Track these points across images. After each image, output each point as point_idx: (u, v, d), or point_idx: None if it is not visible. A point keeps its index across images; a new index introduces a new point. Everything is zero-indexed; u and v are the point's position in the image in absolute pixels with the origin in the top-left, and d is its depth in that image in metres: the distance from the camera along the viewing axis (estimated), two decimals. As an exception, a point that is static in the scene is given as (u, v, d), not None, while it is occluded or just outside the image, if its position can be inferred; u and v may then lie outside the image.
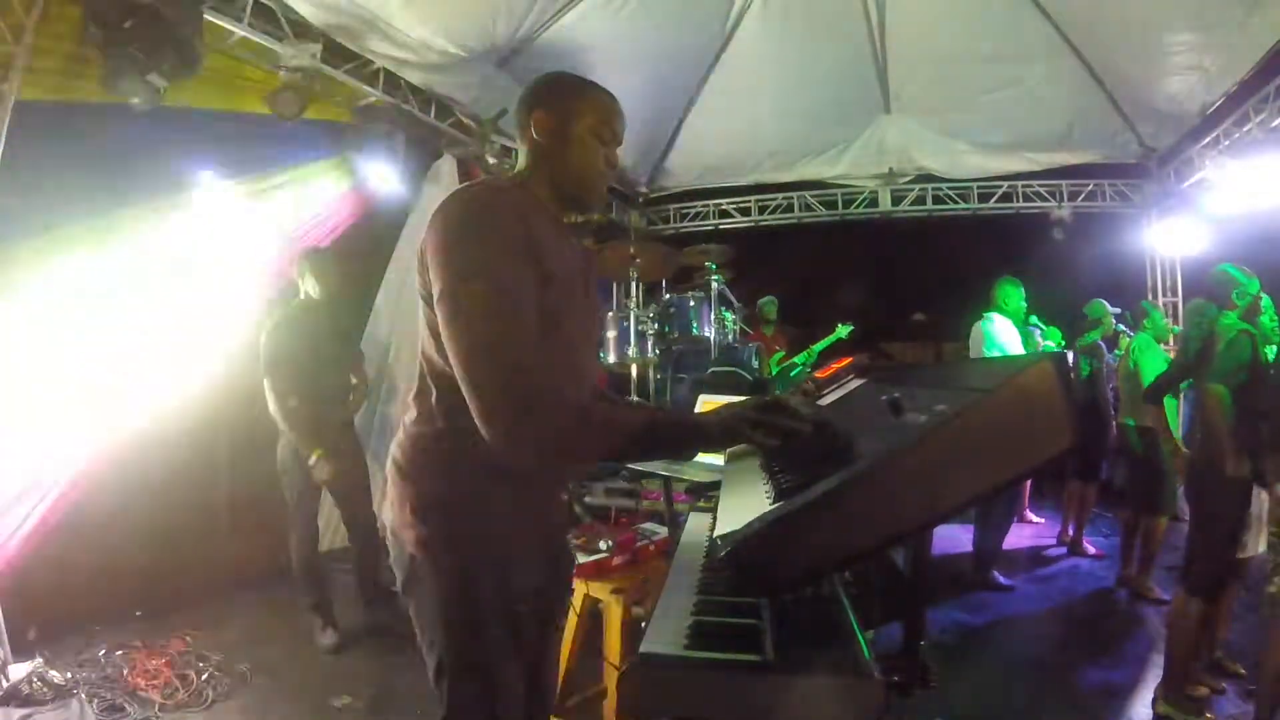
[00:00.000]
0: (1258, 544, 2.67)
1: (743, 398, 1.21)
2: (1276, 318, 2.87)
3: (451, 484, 1.19)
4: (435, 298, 1.12)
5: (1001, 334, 4.04)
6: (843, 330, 5.86)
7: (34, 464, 3.00)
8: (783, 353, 5.91)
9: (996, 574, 4.01)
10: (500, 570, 1.19)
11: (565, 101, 1.28)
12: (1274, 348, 2.77)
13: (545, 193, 1.29)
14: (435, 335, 1.16)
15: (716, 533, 1.09)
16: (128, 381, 3.32)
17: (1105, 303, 4.81)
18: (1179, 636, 2.57)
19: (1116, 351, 4.79)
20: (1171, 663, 2.61)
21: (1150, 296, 6.28)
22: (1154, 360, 3.96)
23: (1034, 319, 4.42)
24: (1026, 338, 4.22)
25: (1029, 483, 5.39)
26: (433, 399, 1.21)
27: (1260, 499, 2.58)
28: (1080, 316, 4.89)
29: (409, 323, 4.65)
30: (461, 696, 1.19)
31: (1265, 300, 2.85)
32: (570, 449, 1.11)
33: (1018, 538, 5.04)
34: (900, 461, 0.78)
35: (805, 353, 5.88)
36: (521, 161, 1.33)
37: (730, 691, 0.87)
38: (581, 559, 2.16)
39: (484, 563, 1.18)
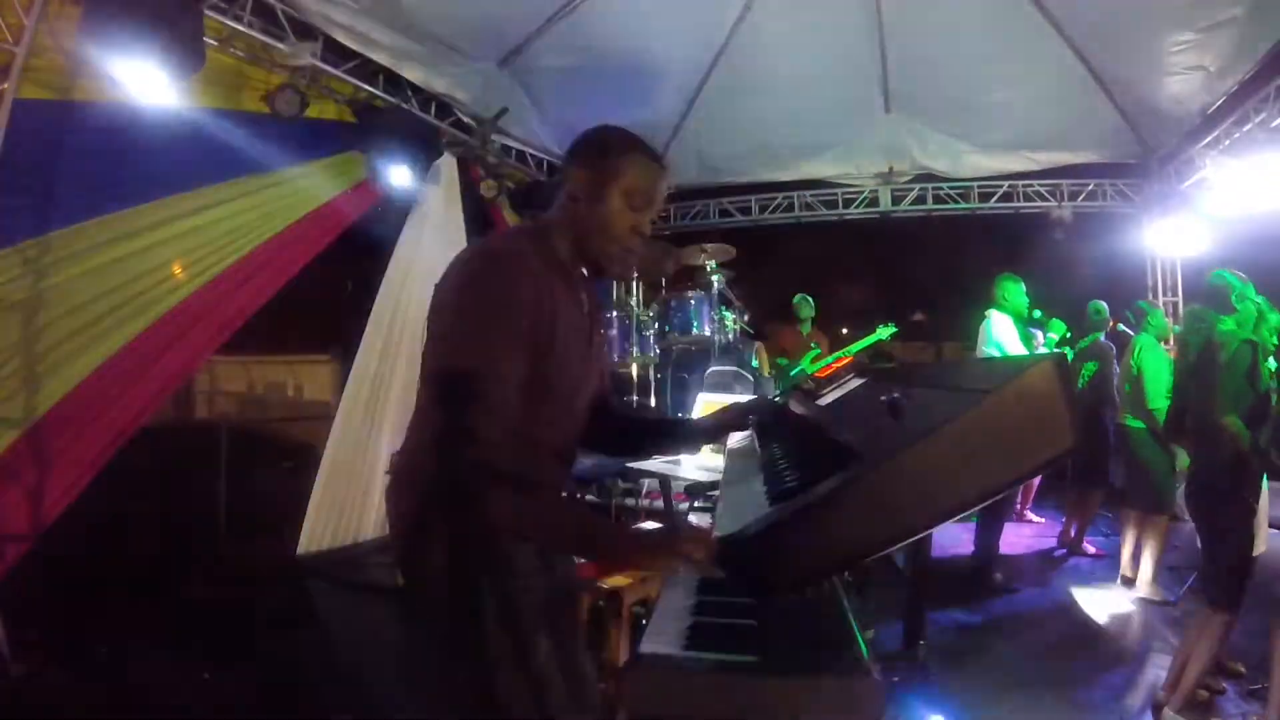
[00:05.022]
0: (1259, 545, 2.66)
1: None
2: (1276, 328, 2.87)
3: (445, 496, 1.22)
4: (432, 353, 1.20)
5: (1000, 332, 4.04)
6: (884, 331, 5.72)
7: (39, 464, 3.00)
8: (819, 350, 5.83)
9: (999, 576, 4.01)
10: (495, 572, 1.22)
11: (605, 160, 1.28)
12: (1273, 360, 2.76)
13: (566, 246, 1.32)
14: (432, 368, 1.22)
15: (716, 534, 1.09)
16: (125, 382, 3.31)
17: (1105, 306, 4.84)
18: (1201, 651, 2.53)
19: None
20: (1184, 674, 2.58)
21: (1150, 296, 6.27)
22: (1157, 361, 3.94)
23: (1038, 313, 4.41)
24: (1026, 337, 4.22)
25: (1035, 482, 5.38)
26: (426, 424, 1.26)
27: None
28: (1083, 316, 4.89)
29: (410, 324, 4.65)
30: (465, 695, 1.22)
31: (1273, 317, 2.84)
32: (521, 522, 1.17)
33: (1018, 537, 5.04)
34: (900, 463, 0.78)
35: (840, 352, 5.78)
36: (555, 205, 1.35)
37: (730, 691, 0.86)
38: (582, 560, 2.16)
39: (483, 570, 1.21)
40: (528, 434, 1.19)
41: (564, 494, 1.24)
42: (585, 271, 1.38)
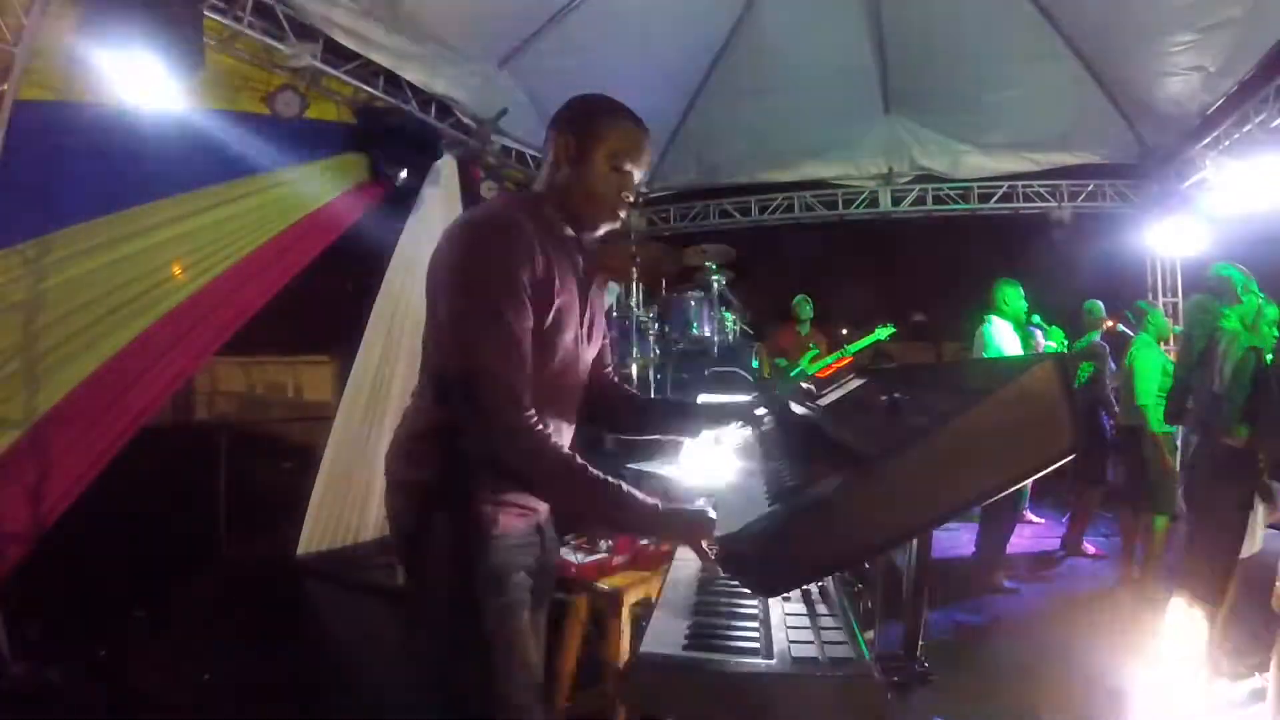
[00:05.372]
0: (1254, 544, 2.66)
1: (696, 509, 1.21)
2: (1277, 326, 2.86)
3: (446, 472, 1.26)
4: (442, 318, 1.21)
5: (1001, 337, 4.04)
6: (883, 331, 5.70)
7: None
8: (817, 351, 5.83)
9: (999, 576, 4.01)
10: (490, 552, 1.25)
11: (588, 125, 1.31)
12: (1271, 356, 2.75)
13: (555, 211, 1.33)
14: (436, 342, 1.24)
15: (717, 534, 1.09)
16: (126, 382, 3.31)
17: (1100, 304, 4.83)
18: (1189, 646, 2.53)
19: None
20: (1176, 670, 2.58)
21: (1150, 296, 6.28)
22: (1149, 360, 3.94)
23: (1036, 318, 4.40)
24: (1026, 340, 4.21)
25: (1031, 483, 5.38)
26: (430, 397, 1.28)
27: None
28: (1079, 316, 4.90)
29: (410, 324, 4.65)
30: (462, 677, 1.25)
31: (1270, 310, 2.84)
32: (539, 475, 1.21)
33: (1018, 538, 5.03)
34: (900, 463, 0.78)
35: (839, 353, 5.76)
36: (540, 176, 1.38)
37: (730, 691, 0.86)
38: (582, 559, 2.17)
39: (476, 545, 1.24)
40: (536, 392, 1.21)
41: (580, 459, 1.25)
42: (575, 234, 1.39)
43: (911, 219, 6.77)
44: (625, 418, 1.64)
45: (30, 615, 2.94)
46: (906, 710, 1.03)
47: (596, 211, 1.34)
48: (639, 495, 1.20)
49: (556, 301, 1.25)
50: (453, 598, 1.23)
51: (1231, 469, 2.53)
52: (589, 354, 1.43)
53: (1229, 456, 2.52)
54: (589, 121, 1.32)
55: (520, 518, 1.31)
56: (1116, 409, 4.46)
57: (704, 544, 1.13)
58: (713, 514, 1.16)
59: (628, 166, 1.33)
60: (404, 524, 1.30)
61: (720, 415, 1.67)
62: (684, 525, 1.17)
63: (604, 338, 1.55)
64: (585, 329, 1.39)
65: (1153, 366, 3.88)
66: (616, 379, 1.63)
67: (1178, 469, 3.75)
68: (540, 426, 1.18)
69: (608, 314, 4.89)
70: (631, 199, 1.36)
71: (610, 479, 1.19)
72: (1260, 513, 2.61)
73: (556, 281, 1.26)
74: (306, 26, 3.73)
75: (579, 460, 1.22)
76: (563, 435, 1.39)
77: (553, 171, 1.34)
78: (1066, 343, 4.83)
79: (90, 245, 3.13)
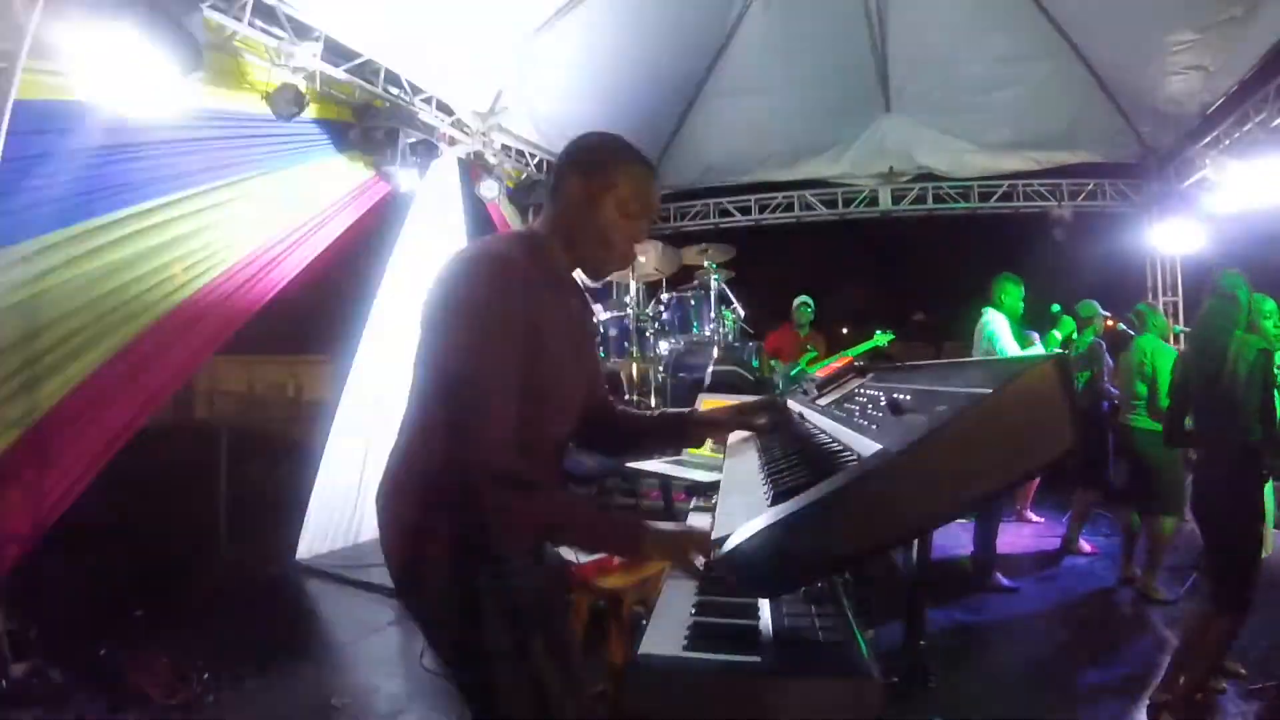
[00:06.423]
0: (1268, 546, 2.66)
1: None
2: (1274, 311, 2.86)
3: (438, 505, 1.23)
4: (429, 356, 1.20)
5: (998, 330, 4.04)
6: (882, 338, 5.71)
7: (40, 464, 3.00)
8: (815, 353, 5.84)
9: (999, 576, 4.01)
10: (496, 575, 1.23)
11: (600, 170, 1.29)
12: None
13: (560, 253, 1.31)
14: (424, 376, 1.24)
15: (716, 533, 1.09)
16: (126, 381, 3.31)
17: (1096, 303, 4.83)
18: (1205, 652, 2.51)
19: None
20: (1185, 674, 2.57)
21: (1150, 296, 6.27)
22: (1168, 361, 3.91)
23: (1056, 307, 4.38)
24: (1021, 337, 4.21)
25: (1033, 483, 5.37)
26: (417, 430, 1.27)
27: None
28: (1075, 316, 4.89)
29: (409, 324, 4.65)
30: (481, 700, 1.24)
31: (1269, 304, 2.83)
32: (517, 521, 1.19)
33: (1018, 537, 5.04)
34: (900, 463, 0.78)
35: (837, 355, 5.77)
36: (546, 211, 1.36)
37: (730, 692, 0.86)
38: (581, 559, 2.17)
39: (480, 570, 1.22)
40: (523, 436, 1.19)
41: (564, 490, 1.24)
42: (582, 276, 1.39)
43: (912, 218, 6.78)
44: (624, 441, 1.63)
45: (30, 615, 2.94)
46: (906, 710, 1.03)
47: (607, 257, 1.33)
48: (618, 521, 1.21)
49: (550, 344, 1.23)
50: (458, 632, 1.22)
51: (1240, 472, 2.53)
52: (581, 392, 1.41)
53: (1242, 459, 2.52)
54: (601, 166, 1.30)
55: (516, 540, 1.29)
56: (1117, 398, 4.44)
57: (692, 560, 1.12)
58: (702, 527, 1.15)
59: (639, 213, 1.31)
60: (401, 560, 1.28)
61: (719, 426, 1.67)
62: (667, 545, 1.16)
63: (598, 373, 1.53)
64: (578, 369, 1.37)
65: (1170, 366, 3.86)
66: (611, 404, 1.59)
67: (1184, 468, 3.75)
68: (520, 466, 1.15)
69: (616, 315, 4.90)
70: (642, 242, 1.35)
71: (588, 508, 1.19)
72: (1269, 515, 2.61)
73: (551, 323, 1.24)
74: (306, 26, 3.73)
75: (557, 496, 1.22)
76: (553, 469, 1.37)
77: (561, 212, 1.31)
78: (1074, 334, 4.81)
79: (90, 245, 3.12)
